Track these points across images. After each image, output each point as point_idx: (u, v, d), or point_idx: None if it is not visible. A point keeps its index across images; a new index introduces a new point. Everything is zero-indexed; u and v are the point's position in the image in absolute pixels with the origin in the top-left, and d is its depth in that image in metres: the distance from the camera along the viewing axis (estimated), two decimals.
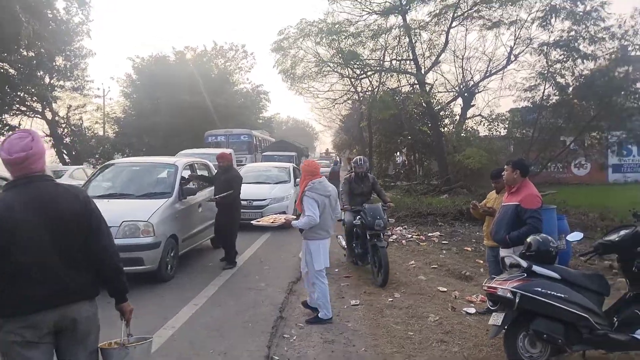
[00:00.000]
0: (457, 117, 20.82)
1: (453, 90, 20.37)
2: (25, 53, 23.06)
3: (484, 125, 19.58)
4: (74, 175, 17.10)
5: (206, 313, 5.42)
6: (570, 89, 15.79)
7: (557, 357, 3.89)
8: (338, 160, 29.12)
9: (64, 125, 27.72)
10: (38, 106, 26.05)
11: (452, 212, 12.33)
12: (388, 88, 21.79)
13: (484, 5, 16.98)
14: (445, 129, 21.20)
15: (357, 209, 7.14)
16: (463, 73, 19.65)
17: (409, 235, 10.42)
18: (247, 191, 9.69)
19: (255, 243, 9.41)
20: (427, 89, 19.18)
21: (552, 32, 15.62)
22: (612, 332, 3.77)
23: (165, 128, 31.30)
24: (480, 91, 19.80)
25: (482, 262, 7.62)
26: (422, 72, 18.82)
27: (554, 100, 16.11)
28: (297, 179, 11.87)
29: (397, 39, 18.88)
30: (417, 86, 19.43)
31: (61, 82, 26.59)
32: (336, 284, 6.60)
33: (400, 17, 18.19)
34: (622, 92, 14.97)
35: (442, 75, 20.38)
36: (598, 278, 4.04)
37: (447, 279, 6.97)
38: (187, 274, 7.07)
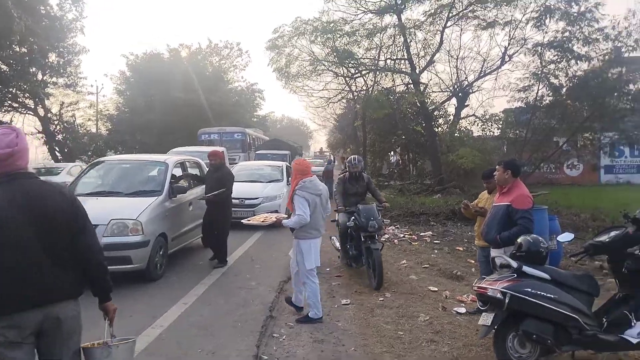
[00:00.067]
0: (451, 117, 20.85)
1: (447, 90, 20.42)
2: (17, 49, 22.89)
3: (477, 125, 19.63)
4: (71, 172, 17.02)
5: (195, 312, 5.37)
6: (564, 89, 15.85)
7: (546, 358, 3.89)
8: (332, 159, 29.09)
9: (56, 122, 27.53)
10: (30, 103, 25.86)
11: (444, 212, 12.36)
12: (382, 87, 21.81)
13: (478, 5, 16.99)
14: (439, 128, 21.24)
15: (351, 209, 6.97)
16: (457, 73, 19.70)
17: (401, 235, 10.42)
18: (240, 190, 9.63)
19: (246, 242, 9.36)
20: (422, 88, 19.20)
21: (546, 32, 15.70)
22: (601, 332, 3.77)
23: (159, 126, 31.14)
24: (474, 91, 19.87)
25: (473, 261, 7.62)
26: (417, 71, 18.83)
27: (547, 101, 16.17)
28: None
29: (392, 38, 18.88)
30: (412, 86, 19.44)
31: (54, 79, 26.44)
32: (327, 283, 6.57)
33: (395, 16, 18.20)
34: (615, 94, 15.05)
35: (437, 75, 20.45)
36: (588, 279, 4.04)
37: (438, 278, 6.96)
38: (177, 273, 7.01)
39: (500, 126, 18.74)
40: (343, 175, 7.70)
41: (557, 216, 8.24)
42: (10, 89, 24.20)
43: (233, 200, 8.17)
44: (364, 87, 24.75)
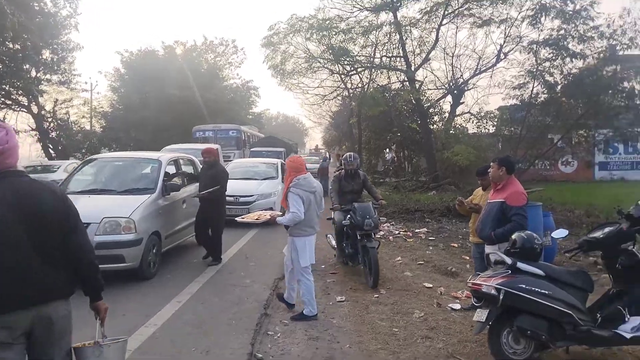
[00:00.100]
0: (446, 115, 20.89)
1: (443, 87, 20.40)
2: (10, 46, 22.70)
3: (472, 122, 19.62)
4: (68, 170, 16.85)
5: (189, 310, 5.34)
6: (559, 87, 15.87)
7: (540, 353, 3.89)
8: (327, 156, 29.05)
9: (50, 120, 27.35)
10: (24, 100, 25.67)
11: (439, 209, 12.39)
12: (378, 85, 21.76)
13: (474, 3, 16.99)
14: (435, 126, 21.26)
15: (347, 208, 6.88)
16: (453, 70, 19.67)
17: (396, 232, 10.42)
18: (234, 187, 9.59)
19: (241, 239, 9.33)
20: (417, 86, 19.18)
21: (541, 30, 15.69)
22: (595, 328, 3.78)
23: (154, 123, 31.00)
24: (470, 89, 19.84)
25: (468, 258, 7.62)
26: (412, 69, 18.81)
27: (542, 99, 16.19)
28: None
29: (388, 35, 18.83)
30: (407, 83, 19.43)
31: (48, 76, 26.27)
32: (322, 281, 6.56)
33: (391, 13, 18.17)
34: (610, 91, 15.09)
35: (432, 73, 20.43)
36: (582, 275, 4.05)
37: (433, 275, 6.96)
38: (171, 271, 6.97)
39: (495, 123, 18.76)
40: (339, 172, 7.61)
41: (552, 212, 8.27)
42: (4, 86, 24.03)
43: (228, 198, 8.13)
44: (360, 85, 24.70)
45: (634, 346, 3.96)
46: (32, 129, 26.51)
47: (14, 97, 25.29)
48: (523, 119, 16.46)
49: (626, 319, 3.72)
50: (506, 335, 3.85)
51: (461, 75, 19.68)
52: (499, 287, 3.76)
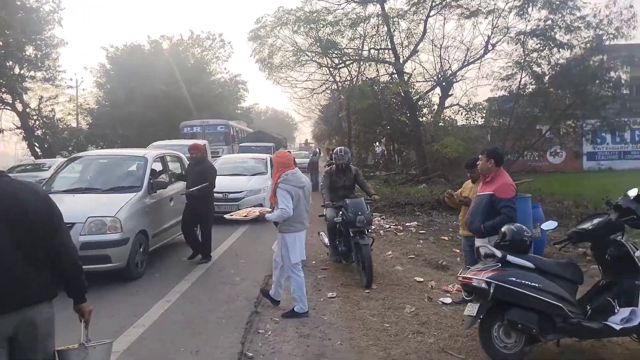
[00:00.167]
0: (435, 107, 20.87)
1: (431, 79, 20.37)
2: None
3: (461, 114, 19.70)
4: None
5: (178, 310, 5.27)
6: (547, 77, 15.98)
7: (531, 347, 3.89)
8: (317, 150, 28.98)
9: (35, 117, 26.82)
10: (8, 97, 25.14)
11: (429, 202, 12.40)
12: (367, 78, 21.70)
13: None
14: (424, 118, 21.25)
15: (338, 204, 6.69)
16: (441, 62, 19.66)
17: (387, 226, 10.41)
18: (223, 183, 9.48)
19: (231, 236, 9.25)
20: (406, 78, 19.15)
21: (529, 21, 15.74)
22: (586, 320, 3.78)
23: (140, 118, 30.62)
24: (458, 80, 19.86)
25: (458, 251, 7.62)
26: (401, 61, 18.76)
27: (530, 89, 16.27)
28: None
29: (376, 27, 18.78)
30: (396, 76, 19.38)
31: (32, 73, 25.71)
32: (313, 277, 6.52)
33: (378, 5, 18.08)
34: (597, 81, 15.22)
35: (421, 65, 20.41)
36: (572, 267, 4.05)
37: (423, 268, 6.95)
38: (159, 270, 6.88)
39: (483, 115, 18.84)
40: (330, 168, 7.42)
41: (541, 204, 8.31)
42: None
43: (216, 195, 8.03)
44: (348, 78, 24.64)
45: (624, 337, 3.97)
46: (17, 127, 26.03)
47: None
48: (511, 110, 16.55)
49: (616, 311, 3.72)
50: (497, 329, 3.84)
51: (449, 67, 19.69)
52: (490, 280, 3.74)
